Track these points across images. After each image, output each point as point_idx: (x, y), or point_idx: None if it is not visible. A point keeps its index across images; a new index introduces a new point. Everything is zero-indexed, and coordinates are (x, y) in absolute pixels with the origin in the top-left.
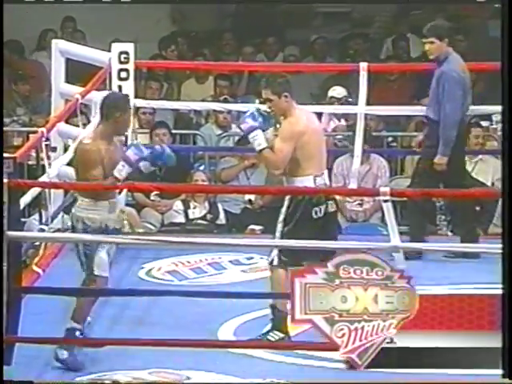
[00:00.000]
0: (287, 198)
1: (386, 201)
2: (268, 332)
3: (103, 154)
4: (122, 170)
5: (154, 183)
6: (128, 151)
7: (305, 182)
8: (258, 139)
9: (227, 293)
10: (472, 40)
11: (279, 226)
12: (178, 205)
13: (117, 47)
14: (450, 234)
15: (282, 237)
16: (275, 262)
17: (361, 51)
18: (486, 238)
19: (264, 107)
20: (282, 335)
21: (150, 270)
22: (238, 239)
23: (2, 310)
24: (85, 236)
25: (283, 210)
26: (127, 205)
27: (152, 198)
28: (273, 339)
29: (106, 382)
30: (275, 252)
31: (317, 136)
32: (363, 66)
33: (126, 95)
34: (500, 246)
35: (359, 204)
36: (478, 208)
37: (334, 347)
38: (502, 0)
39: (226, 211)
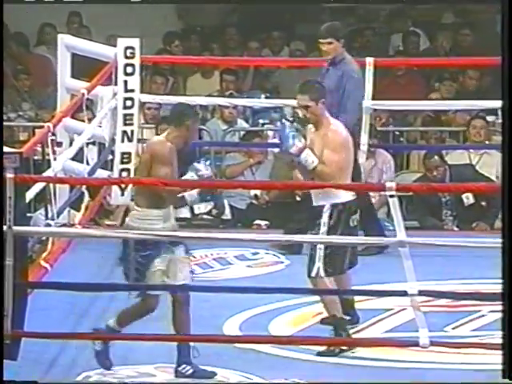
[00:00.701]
0: (326, 209)
1: (391, 196)
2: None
3: (174, 156)
4: (206, 169)
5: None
6: (199, 165)
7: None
8: (310, 158)
9: (232, 287)
10: (479, 35)
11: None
12: None
13: (122, 42)
14: (456, 228)
15: (327, 248)
16: (322, 274)
17: (368, 46)
18: (491, 233)
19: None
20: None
21: None
22: (244, 234)
23: (1, 308)
24: (89, 231)
25: (324, 221)
26: (133, 200)
27: None
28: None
29: (107, 381)
30: (318, 264)
31: (351, 141)
32: (369, 60)
33: (193, 106)
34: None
35: None
36: (483, 203)
37: (339, 342)
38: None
39: (231, 206)
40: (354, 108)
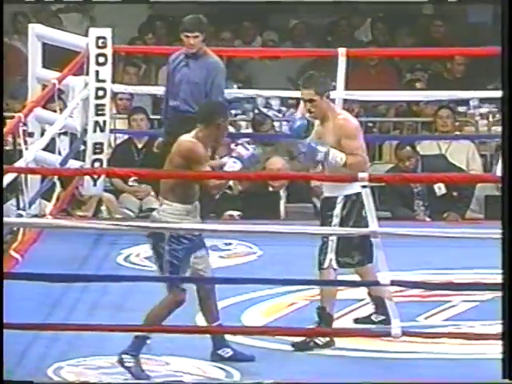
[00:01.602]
0: (340, 201)
1: (364, 186)
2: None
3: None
4: (234, 167)
5: (133, 169)
6: (238, 148)
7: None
8: (338, 156)
9: (205, 278)
10: (451, 26)
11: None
12: None
13: (94, 32)
14: (427, 219)
15: (339, 239)
16: (334, 266)
17: (343, 37)
18: (462, 223)
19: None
20: (327, 339)
21: (129, 255)
22: (217, 225)
23: (1, 308)
24: (61, 222)
25: (336, 212)
26: (105, 191)
27: (130, 183)
28: (320, 343)
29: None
30: (331, 256)
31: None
32: (342, 51)
33: (224, 103)
34: (482, 231)
35: None
36: (455, 193)
37: (312, 333)
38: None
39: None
40: (223, 100)
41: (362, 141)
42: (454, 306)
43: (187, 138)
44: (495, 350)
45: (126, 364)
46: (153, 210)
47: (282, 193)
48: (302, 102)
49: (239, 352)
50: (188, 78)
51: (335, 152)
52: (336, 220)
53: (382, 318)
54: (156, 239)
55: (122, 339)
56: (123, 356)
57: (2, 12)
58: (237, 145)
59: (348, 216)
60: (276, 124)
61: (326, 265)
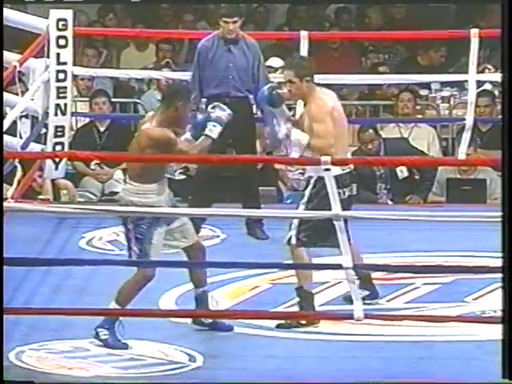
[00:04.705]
0: (313, 181)
1: (327, 169)
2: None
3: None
4: (213, 130)
5: (95, 152)
6: (216, 111)
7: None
8: (300, 137)
9: (170, 262)
10: (413, 8)
11: (301, 207)
12: (118, 174)
13: (55, 14)
14: (390, 202)
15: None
16: (293, 241)
17: (304, 19)
18: (424, 206)
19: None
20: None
21: (91, 239)
22: (180, 208)
23: (1, 306)
24: (23, 205)
25: (307, 191)
26: (67, 173)
27: (92, 167)
28: (304, 321)
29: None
30: (293, 232)
31: (342, 115)
32: (304, 34)
33: (186, 86)
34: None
35: (301, 173)
36: (417, 177)
37: (276, 316)
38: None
39: (168, 179)
40: (267, 77)
41: (336, 125)
42: (415, 288)
43: (151, 127)
44: (456, 331)
45: (102, 337)
46: (116, 193)
47: None
48: None
49: (220, 322)
50: (234, 63)
51: (297, 132)
52: (304, 199)
53: (367, 293)
54: (124, 218)
55: (85, 323)
56: (98, 330)
57: (2, 12)
58: (213, 107)
59: (315, 195)
60: None
61: (286, 240)
